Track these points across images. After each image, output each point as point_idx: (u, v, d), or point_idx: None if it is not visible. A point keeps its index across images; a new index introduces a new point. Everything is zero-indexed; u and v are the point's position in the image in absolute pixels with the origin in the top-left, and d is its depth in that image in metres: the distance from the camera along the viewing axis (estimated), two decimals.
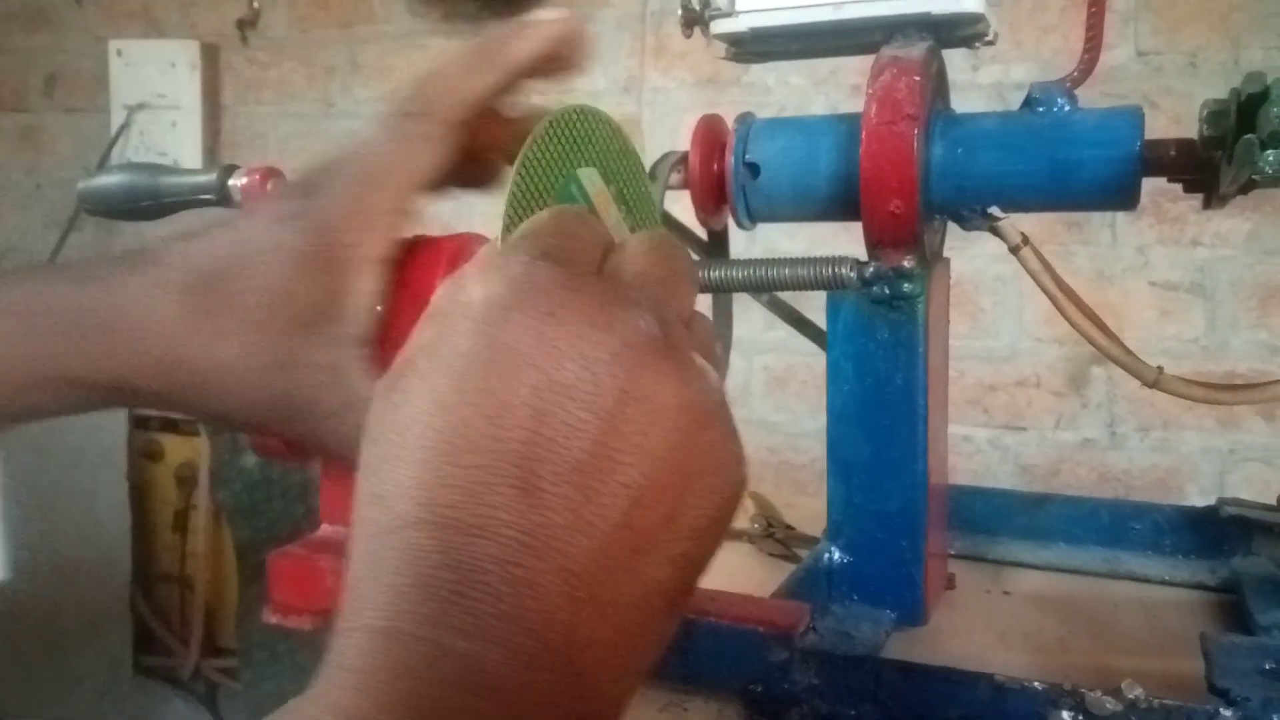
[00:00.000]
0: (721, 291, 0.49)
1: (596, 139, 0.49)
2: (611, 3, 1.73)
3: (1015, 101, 0.54)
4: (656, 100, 1.71)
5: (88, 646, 1.75)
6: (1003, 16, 0.55)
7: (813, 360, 0.63)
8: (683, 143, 0.57)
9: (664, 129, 1.71)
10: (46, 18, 2.22)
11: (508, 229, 0.42)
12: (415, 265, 0.48)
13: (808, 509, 0.88)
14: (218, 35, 2.05)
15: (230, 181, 0.52)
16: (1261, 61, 1.38)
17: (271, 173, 0.51)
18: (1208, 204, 0.54)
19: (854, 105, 0.52)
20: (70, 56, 2.20)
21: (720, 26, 0.57)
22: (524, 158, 0.44)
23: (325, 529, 0.48)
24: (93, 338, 0.39)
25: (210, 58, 2.03)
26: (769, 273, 0.49)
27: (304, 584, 0.45)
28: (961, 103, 0.57)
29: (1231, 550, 0.66)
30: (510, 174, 0.43)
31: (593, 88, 1.75)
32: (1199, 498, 1.38)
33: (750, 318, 0.61)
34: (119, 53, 2.06)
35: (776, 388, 1.69)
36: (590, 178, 0.49)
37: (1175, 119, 1.40)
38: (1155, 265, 1.45)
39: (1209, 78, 1.41)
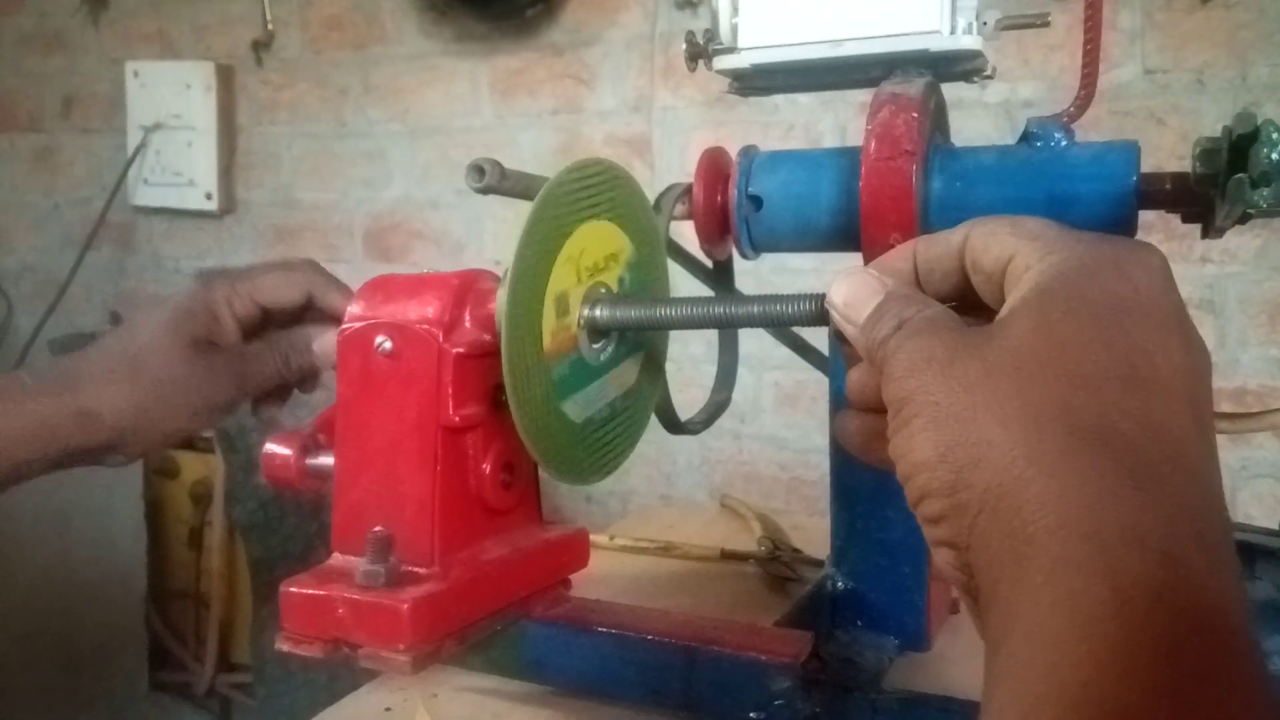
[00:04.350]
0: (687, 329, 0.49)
1: (620, 199, 0.51)
2: (621, 23, 1.75)
3: (1023, 119, 0.55)
4: (666, 119, 1.73)
5: (103, 663, 1.76)
6: (1009, 35, 0.55)
7: (822, 377, 0.63)
8: (692, 161, 0.58)
9: (673, 148, 1.73)
10: (63, 40, 2.25)
11: (520, 256, 0.44)
12: (424, 298, 0.49)
13: (816, 530, 0.88)
14: (232, 57, 2.07)
15: None
16: (1268, 79, 1.38)
17: None
18: (1206, 234, 0.55)
19: (861, 123, 0.53)
20: (86, 78, 2.23)
21: (723, 62, 0.58)
22: (544, 195, 0.45)
23: (336, 558, 0.49)
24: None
25: (225, 79, 2.06)
26: (733, 309, 0.48)
27: (315, 614, 0.46)
28: (969, 121, 0.57)
29: None
30: (529, 208, 0.45)
31: (602, 107, 1.77)
32: None
33: (759, 333, 0.62)
34: (135, 74, 2.09)
35: (786, 404, 1.70)
36: (605, 229, 0.50)
37: (1182, 136, 1.41)
38: None
39: (1216, 95, 1.41)
